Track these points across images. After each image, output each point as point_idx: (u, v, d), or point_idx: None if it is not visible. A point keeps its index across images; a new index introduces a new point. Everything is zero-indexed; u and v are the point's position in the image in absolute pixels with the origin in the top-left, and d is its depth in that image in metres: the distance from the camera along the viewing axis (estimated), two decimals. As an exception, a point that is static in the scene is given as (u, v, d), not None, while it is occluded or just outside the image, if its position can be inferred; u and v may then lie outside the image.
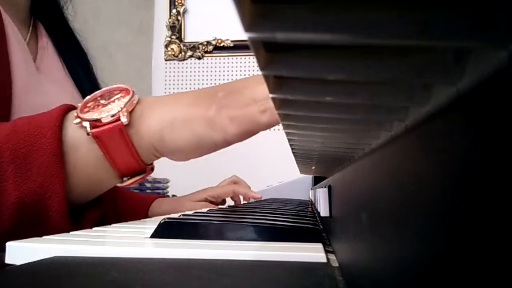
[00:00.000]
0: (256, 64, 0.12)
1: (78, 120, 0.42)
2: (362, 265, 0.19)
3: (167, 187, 1.47)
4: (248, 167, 1.55)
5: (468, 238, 0.08)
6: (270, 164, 1.65)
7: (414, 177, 0.12)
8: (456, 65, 0.10)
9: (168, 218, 0.34)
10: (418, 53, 0.10)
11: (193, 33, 1.90)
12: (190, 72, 1.92)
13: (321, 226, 0.41)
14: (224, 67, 1.89)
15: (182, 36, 1.90)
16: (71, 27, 0.73)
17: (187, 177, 1.44)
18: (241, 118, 0.43)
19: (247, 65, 1.87)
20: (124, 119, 0.42)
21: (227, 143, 0.44)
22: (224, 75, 1.89)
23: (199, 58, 1.90)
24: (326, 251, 0.28)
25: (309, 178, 1.14)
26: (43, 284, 0.20)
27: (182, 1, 1.89)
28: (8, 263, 0.27)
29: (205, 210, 0.53)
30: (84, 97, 0.66)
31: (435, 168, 0.10)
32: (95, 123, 0.42)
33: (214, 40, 1.87)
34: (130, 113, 0.43)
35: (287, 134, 0.21)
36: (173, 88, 1.92)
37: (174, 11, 1.89)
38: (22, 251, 0.27)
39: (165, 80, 1.92)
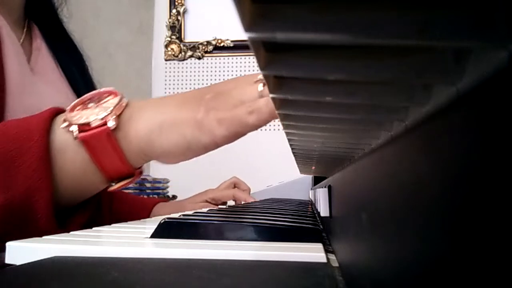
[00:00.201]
0: (256, 64, 0.12)
1: (66, 123, 0.42)
2: (362, 265, 0.19)
3: (167, 187, 1.47)
4: (248, 167, 1.55)
5: (468, 238, 0.08)
6: (270, 164, 1.65)
7: (414, 177, 0.12)
8: (456, 65, 0.10)
9: (168, 218, 0.34)
10: (418, 53, 0.10)
11: (193, 33, 1.90)
12: (190, 72, 1.92)
13: (321, 226, 0.41)
14: (224, 67, 1.89)
15: (182, 36, 1.90)
16: (66, 28, 0.72)
17: (187, 177, 1.44)
18: (229, 120, 0.43)
19: (247, 65, 1.87)
20: (111, 123, 0.42)
21: (216, 145, 0.44)
22: (224, 75, 1.89)
23: (199, 58, 1.90)
24: (326, 251, 0.28)
25: (309, 178, 1.14)
26: (43, 284, 0.20)
27: (182, 1, 1.89)
28: (8, 263, 0.27)
29: (205, 210, 0.53)
30: (79, 97, 0.66)
31: (435, 168, 0.10)
32: (83, 127, 0.41)
33: (214, 40, 1.87)
34: (118, 116, 0.43)
35: (287, 134, 0.21)
36: (173, 88, 1.92)
37: (174, 11, 1.89)
38: (22, 251, 0.27)
39: (165, 80, 1.92)
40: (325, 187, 0.42)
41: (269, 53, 0.11)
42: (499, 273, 0.07)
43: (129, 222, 0.46)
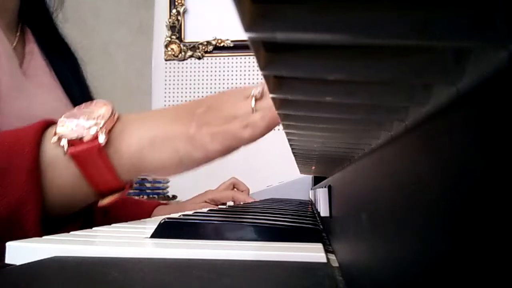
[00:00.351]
0: (256, 64, 0.12)
1: (56, 138, 0.41)
2: (362, 265, 0.19)
3: (167, 187, 1.47)
4: (248, 167, 1.55)
5: (468, 238, 0.08)
6: (270, 164, 1.65)
7: (414, 177, 0.12)
8: (456, 65, 0.10)
9: (168, 218, 0.34)
10: (418, 53, 0.10)
11: (193, 33, 1.90)
12: (190, 72, 1.92)
13: (321, 226, 0.41)
14: (224, 67, 1.90)
15: (182, 36, 1.90)
16: (61, 32, 0.72)
17: (187, 177, 1.44)
18: (223, 134, 0.43)
19: (247, 65, 1.87)
20: (102, 139, 0.41)
21: (208, 160, 0.44)
22: (224, 75, 1.90)
23: (199, 58, 1.90)
24: (326, 251, 0.28)
25: (309, 178, 1.14)
26: (43, 284, 0.20)
27: (182, 1, 1.89)
28: (8, 263, 0.27)
29: (205, 210, 0.53)
30: (73, 101, 0.66)
31: (435, 168, 0.10)
32: (73, 141, 0.41)
33: (214, 40, 1.87)
34: (109, 131, 0.42)
35: (287, 134, 0.21)
36: (173, 88, 1.92)
37: (174, 11, 1.89)
38: (22, 251, 0.27)
39: (165, 80, 1.92)
40: (325, 187, 0.42)
41: (269, 53, 0.11)
42: (499, 273, 0.07)
43: (129, 222, 0.46)
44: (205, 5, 1.87)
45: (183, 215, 0.42)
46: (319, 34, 0.09)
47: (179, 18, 1.89)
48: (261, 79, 0.12)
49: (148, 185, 1.41)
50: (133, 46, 1.89)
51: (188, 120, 0.44)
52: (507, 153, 0.07)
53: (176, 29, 1.89)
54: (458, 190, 0.09)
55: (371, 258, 0.17)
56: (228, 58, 1.89)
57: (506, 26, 0.07)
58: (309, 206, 0.76)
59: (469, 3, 0.08)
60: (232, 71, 1.89)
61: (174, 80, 1.92)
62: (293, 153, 0.32)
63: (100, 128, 0.42)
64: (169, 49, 1.90)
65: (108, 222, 0.45)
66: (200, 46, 1.88)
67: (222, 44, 1.87)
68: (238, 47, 1.85)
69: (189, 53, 1.90)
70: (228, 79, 1.89)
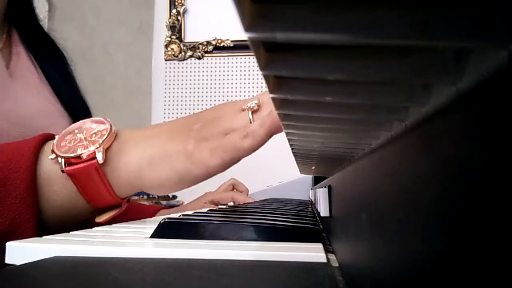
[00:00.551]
0: (256, 64, 0.12)
1: (53, 155, 0.41)
2: (362, 265, 0.19)
3: (167, 187, 1.47)
4: (248, 167, 1.55)
5: (468, 238, 0.08)
6: (270, 164, 1.65)
7: (414, 177, 0.12)
8: (456, 65, 0.10)
9: (168, 218, 0.34)
10: (418, 53, 0.10)
11: (193, 33, 1.90)
12: (190, 72, 1.92)
13: (321, 226, 0.41)
14: (224, 67, 1.90)
15: (182, 36, 1.90)
16: (52, 36, 0.72)
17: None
18: (222, 148, 0.42)
19: (247, 65, 1.87)
20: (100, 157, 0.41)
21: (209, 175, 0.44)
22: (224, 75, 1.90)
23: (199, 58, 1.90)
24: (326, 251, 0.28)
25: (309, 178, 1.14)
26: (43, 284, 0.20)
27: (182, 1, 1.89)
28: (8, 263, 0.27)
29: (205, 210, 0.53)
30: (61, 102, 0.65)
31: (435, 168, 0.10)
32: (70, 159, 0.41)
33: (214, 40, 1.88)
34: (107, 150, 0.42)
35: (287, 134, 0.21)
36: (173, 88, 1.92)
37: (174, 11, 1.89)
38: (22, 251, 0.27)
39: (165, 80, 1.92)
40: (325, 187, 0.42)
41: (269, 53, 0.11)
42: (499, 273, 0.07)
43: (129, 222, 0.46)
44: (205, 5, 1.87)
45: (183, 215, 0.42)
46: (319, 34, 0.09)
47: (179, 18, 1.89)
48: (261, 79, 0.12)
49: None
50: (133, 46, 1.90)
51: (186, 136, 0.43)
52: (507, 153, 0.07)
53: (176, 29, 1.89)
54: (458, 190, 0.09)
55: (371, 258, 0.17)
56: (228, 58, 1.89)
57: (506, 26, 0.07)
58: (309, 206, 0.76)
59: (469, 3, 0.08)
60: (232, 71, 1.89)
61: (174, 80, 1.92)
62: (293, 153, 0.32)
63: (98, 146, 0.42)
64: (169, 49, 1.90)
65: (108, 222, 0.45)
66: (200, 46, 1.89)
67: (222, 44, 1.87)
68: (238, 47, 1.85)
69: (189, 53, 1.90)
70: (228, 79, 1.89)
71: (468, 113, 0.09)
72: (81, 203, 0.43)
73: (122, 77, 1.87)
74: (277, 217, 0.41)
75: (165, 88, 1.92)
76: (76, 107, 0.68)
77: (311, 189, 1.02)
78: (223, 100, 1.88)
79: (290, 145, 0.26)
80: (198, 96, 1.91)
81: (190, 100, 1.92)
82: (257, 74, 1.86)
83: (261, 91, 1.84)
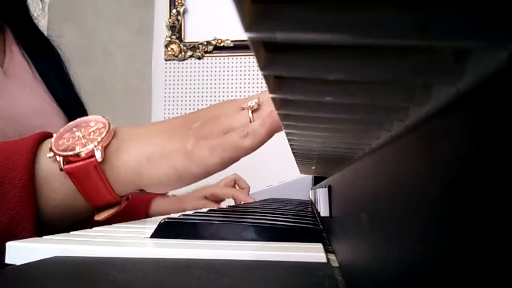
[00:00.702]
0: (256, 64, 0.12)
1: (51, 154, 0.41)
2: (362, 265, 0.19)
3: (167, 187, 1.47)
4: (248, 167, 1.55)
5: (468, 238, 0.08)
6: (270, 164, 1.65)
7: (414, 177, 0.12)
8: (456, 65, 0.10)
9: (168, 218, 0.34)
10: (418, 53, 0.10)
11: (193, 33, 1.90)
12: (190, 72, 1.92)
13: (321, 226, 0.41)
14: (224, 67, 1.90)
15: (182, 36, 1.90)
16: (43, 32, 0.71)
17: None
18: (221, 146, 0.42)
19: (247, 65, 1.87)
20: (99, 155, 0.41)
21: (208, 174, 0.44)
22: (224, 75, 1.90)
23: (199, 58, 1.90)
24: (326, 251, 0.28)
25: (309, 178, 1.14)
26: (43, 284, 0.20)
27: (182, 1, 1.89)
28: (8, 263, 0.27)
29: (205, 210, 0.53)
30: (56, 100, 0.65)
31: (435, 168, 0.10)
32: (69, 157, 0.41)
33: (214, 40, 1.88)
34: (105, 148, 0.42)
35: (287, 134, 0.21)
36: (173, 88, 1.92)
37: (174, 11, 1.89)
38: (22, 251, 0.27)
39: (165, 80, 1.92)
40: (325, 187, 0.42)
41: (269, 53, 0.11)
42: (499, 273, 0.07)
43: (129, 222, 0.46)
44: (205, 5, 1.87)
45: (183, 215, 0.42)
46: (319, 34, 0.09)
47: (179, 18, 1.89)
48: (261, 79, 0.12)
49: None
50: (133, 46, 1.89)
51: (185, 135, 0.43)
52: (507, 153, 0.07)
53: (176, 29, 1.89)
54: (458, 190, 0.09)
55: (371, 258, 0.17)
56: (228, 58, 1.89)
57: (506, 26, 0.07)
58: (309, 206, 0.76)
59: (469, 3, 0.08)
60: (232, 71, 1.89)
61: (174, 80, 1.92)
62: (293, 153, 0.32)
63: (97, 144, 0.41)
64: (169, 49, 1.90)
65: (106, 220, 0.45)
66: (200, 46, 1.89)
67: (222, 44, 1.87)
68: (238, 47, 1.85)
69: (189, 53, 1.90)
70: (228, 79, 1.89)
71: (468, 113, 0.09)
72: (80, 201, 0.43)
73: (122, 77, 1.87)
74: (277, 217, 0.41)
75: (165, 88, 1.92)
76: (71, 105, 0.67)
77: (311, 189, 1.02)
78: (223, 100, 1.88)
79: (290, 145, 0.26)
80: (198, 96, 1.91)
81: (190, 100, 1.92)
82: (257, 74, 1.86)
83: (261, 91, 1.83)
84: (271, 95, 0.14)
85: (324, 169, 0.46)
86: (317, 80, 0.13)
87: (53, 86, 0.67)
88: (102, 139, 0.42)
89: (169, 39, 1.90)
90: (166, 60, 1.92)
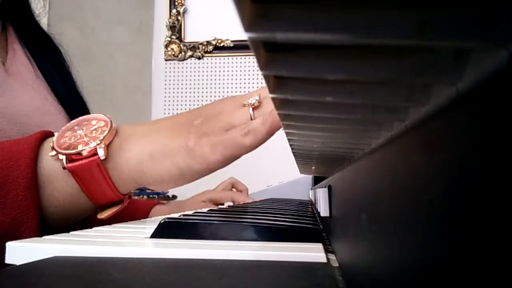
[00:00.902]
0: (256, 64, 0.12)
1: (54, 152, 0.41)
2: (362, 265, 0.19)
3: (167, 187, 1.47)
4: (248, 167, 1.55)
5: (469, 238, 0.08)
6: (270, 164, 1.65)
7: (414, 177, 0.12)
8: (456, 65, 0.10)
9: (168, 218, 0.34)
10: (418, 53, 0.10)
11: (193, 33, 1.90)
12: (190, 72, 1.92)
13: (321, 226, 0.41)
14: (224, 67, 1.90)
15: (182, 36, 1.90)
16: (49, 33, 0.71)
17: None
18: (222, 144, 0.42)
19: (247, 65, 1.87)
20: (101, 154, 0.41)
21: (210, 171, 0.44)
22: (224, 75, 1.90)
23: (199, 58, 1.90)
24: (326, 251, 0.28)
25: (309, 178, 1.14)
26: (43, 284, 0.20)
27: (182, 1, 1.89)
28: (8, 263, 0.27)
29: (205, 210, 0.53)
30: (58, 99, 0.65)
31: (435, 168, 0.10)
32: (71, 156, 0.41)
33: (214, 40, 1.88)
34: (108, 146, 0.42)
35: (287, 134, 0.21)
36: (173, 88, 1.92)
37: (174, 11, 1.89)
38: (22, 251, 0.27)
39: (165, 80, 1.92)
40: (325, 187, 0.42)
41: (269, 53, 0.11)
42: (499, 274, 0.07)
43: (129, 222, 0.46)
44: (205, 5, 1.87)
45: (183, 215, 0.43)
46: (319, 34, 0.09)
47: (179, 18, 1.89)
48: (261, 79, 0.12)
49: (148, 185, 1.40)
50: (133, 46, 1.89)
51: (186, 132, 0.44)
52: (507, 153, 0.07)
53: (176, 29, 1.89)
54: (458, 190, 0.09)
55: (371, 258, 0.17)
56: (228, 58, 1.89)
57: (506, 26, 0.07)
58: (309, 206, 0.76)
59: (469, 2, 0.08)
60: (232, 71, 1.89)
61: (174, 80, 1.92)
62: (293, 153, 0.32)
63: (99, 142, 0.41)
64: (169, 49, 1.90)
65: (106, 221, 0.45)
66: (200, 46, 1.89)
67: (222, 44, 1.87)
68: (238, 47, 1.85)
69: (189, 53, 1.90)
70: (228, 79, 1.89)
71: (468, 113, 0.09)
72: (82, 200, 0.43)
73: (122, 77, 1.87)
74: (277, 217, 0.41)
75: (165, 88, 1.92)
76: (73, 104, 0.67)
77: (311, 189, 1.02)
78: (223, 100, 1.87)
79: (290, 145, 0.26)
80: (198, 96, 1.91)
81: (190, 100, 1.92)
82: (257, 74, 1.86)
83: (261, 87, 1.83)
84: (271, 95, 0.14)
85: (324, 169, 0.46)
86: (317, 80, 0.13)
87: (55, 84, 0.67)
88: (104, 137, 0.42)
89: (169, 39, 1.90)
90: (166, 60, 1.92)
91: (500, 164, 0.07)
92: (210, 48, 1.88)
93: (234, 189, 1.01)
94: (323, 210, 0.41)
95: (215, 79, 1.90)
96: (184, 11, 1.89)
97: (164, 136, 0.44)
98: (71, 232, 0.34)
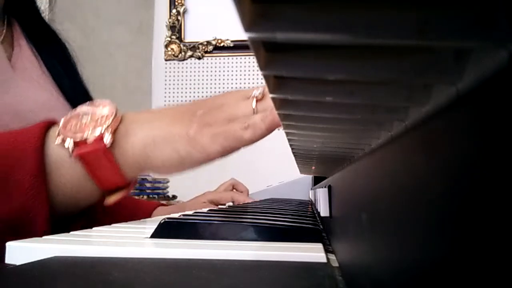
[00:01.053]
0: (256, 64, 0.12)
1: (60, 139, 0.41)
2: (362, 265, 0.19)
3: (167, 187, 1.47)
4: (248, 167, 1.55)
5: (468, 238, 0.08)
6: (270, 164, 1.65)
7: (414, 177, 0.12)
8: (456, 65, 0.10)
9: (168, 218, 0.34)
10: (418, 53, 0.10)
11: (193, 33, 1.90)
12: (190, 72, 1.92)
13: (321, 226, 0.41)
14: (224, 67, 1.89)
15: (182, 36, 1.90)
16: (53, 27, 0.71)
17: (187, 176, 1.44)
18: (223, 135, 0.43)
19: (247, 65, 1.87)
20: (108, 139, 0.42)
21: (209, 160, 0.44)
22: (224, 75, 1.89)
23: (199, 58, 1.90)
24: (326, 251, 0.28)
25: (309, 178, 1.14)
26: (43, 284, 0.20)
27: (182, 1, 1.89)
28: (8, 263, 0.27)
29: (205, 210, 0.53)
30: (64, 94, 0.65)
31: (435, 168, 0.10)
32: (77, 142, 0.41)
33: (214, 40, 1.87)
34: (114, 132, 0.43)
35: (287, 134, 0.21)
36: (173, 88, 1.92)
37: (174, 11, 1.89)
38: (22, 251, 0.27)
39: (165, 80, 1.92)
40: (325, 187, 0.42)
41: (269, 53, 0.11)
42: (499, 274, 0.07)
43: (129, 222, 0.46)
44: (205, 5, 1.87)
45: (183, 215, 0.43)
46: (319, 34, 0.09)
47: (179, 18, 1.89)
48: (261, 79, 0.12)
49: (148, 185, 1.41)
50: (133, 46, 1.89)
51: (189, 121, 0.44)
52: (507, 153, 0.07)
53: (176, 29, 1.89)
54: (458, 190, 0.09)
55: (371, 258, 0.17)
56: (228, 58, 1.89)
57: (506, 26, 0.07)
58: (309, 206, 0.76)
59: (469, 2, 0.08)
60: (232, 71, 1.89)
61: (174, 80, 1.92)
62: (293, 153, 0.32)
63: (106, 128, 0.42)
64: (169, 49, 1.90)
65: (108, 221, 0.45)
66: (200, 46, 1.88)
67: (222, 44, 1.87)
68: (238, 47, 1.85)
69: (189, 53, 1.90)
70: (228, 79, 1.89)
71: (468, 113, 0.09)
72: (89, 187, 0.43)
73: (122, 77, 1.87)
74: (277, 217, 0.41)
75: (165, 88, 1.92)
76: (79, 99, 0.67)
77: (311, 189, 1.02)
78: (223, 100, 1.87)
79: (290, 145, 0.26)
80: (198, 96, 1.91)
81: (190, 100, 1.92)
82: (257, 74, 1.86)
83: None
84: (271, 95, 0.14)
85: (324, 169, 0.46)
86: (317, 80, 0.13)
87: (61, 80, 0.67)
88: (110, 123, 0.43)
89: (169, 39, 1.90)
90: (166, 60, 1.92)
91: (500, 164, 0.07)
92: (210, 48, 1.88)
93: (234, 190, 1.01)
94: (323, 210, 0.41)
95: (215, 79, 1.90)
96: (184, 11, 1.89)
97: (166, 123, 0.45)
98: (71, 232, 0.34)
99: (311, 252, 0.27)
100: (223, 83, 1.90)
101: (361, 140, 0.20)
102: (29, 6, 0.69)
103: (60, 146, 0.42)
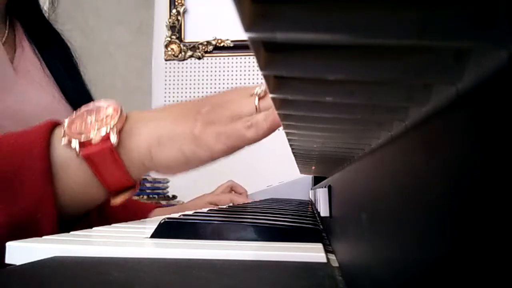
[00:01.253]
0: (256, 64, 0.12)
1: (66, 139, 0.41)
2: (362, 265, 0.19)
3: (167, 187, 1.47)
4: (248, 167, 1.55)
5: (468, 238, 0.08)
6: (270, 164, 1.65)
7: (414, 177, 0.12)
8: (456, 65, 0.10)
9: (168, 218, 0.34)
10: (418, 53, 0.10)
11: (193, 33, 1.90)
12: (190, 72, 1.92)
13: (321, 226, 0.41)
14: (224, 67, 1.89)
15: (182, 36, 1.90)
16: (55, 27, 0.71)
17: (187, 176, 1.44)
18: (227, 134, 0.43)
19: (247, 65, 1.87)
20: (114, 139, 0.42)
21: (213, 158, 0.45)
22: (224, 75, 1.89)
23: (199, 58, 1.90)
24: (326, 251, 0.28)
25: (309, 178, 1.14)
26: (43, 284, 0.20)
27: (182, 1, 1.89)
28: (8, 263, 0.27)
29: (205, 210, 0.53)
30: (66, 96, 0.65)
31: (435, 168, 0.10)
32: (83, 142, 0.41)
33: (214, 40, 1.87)
34: (119, 131, 0.43)
35: (287, 134, 0.21)
36: (173, 88, 1.92)
37: (174, 11, 1.89)
38: (22, 251, 0.27)
39: (165, 80, 1.92)
40: (325, 187, 0.42)
41: (269, 53, 0.11)
42: (499, 274, 0.07)
43: (129, 222, 0.46)
44: (205, 5, 1.87)
45: (183, 215, 0.43)
46: (319, 34, 0.09)
47: (179, 18, 1.89)
48: (261, 79, 0.12)
49: (148, 185, 1.40)
50: (133, 46, 1.89)
51: (193, 119, 0.44)
52: (507, 153, 0.07)
53: (176, 29, 1.89)
54: (458, 190, 0.09)
55: (371, 258, 0.17)
56: (228, 58, 1.89)
57: (506, 25, 0.07)
58: (309, 206, 0.76)
59: (469, 2, 0.08)
60: (232, 71, 1.89)
61: (174, 80, 1.92)
62: (293, 153, 0.32)
63: (111, 128, 0.42)
64: (169, 49, 1.90)
65: (104, 223, 0.45)
66: (200, 46, 1.88)
67: (222, 44, 1.87)
68: (238, 47, 1.85)
69: (189, 53, 1.90)
70: (228, 79, 1.89)
71: (468, 113, 0.09)
72: (95, 187, 0.43)
73: (122, 77, 1.87)
74: (277, 217, 0.41)
75: (165, 88, 1.92)
76: (81, 102, 0.67)
77: (311, 189, 1.02)
78: (223, 100, 1.87)
79: (290, 145, 0.26)
80: (198, 96, 1.91)
81: (194, 99, 1.91)
82: (257, 74, 1.86)
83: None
84: (271, 95, 0.14)
85: (324, 169, 0.46)
86: (317, 80, 0.13)
87: (64, 82, 0.67)
88: (115, 123, 0.43)
89: (169, 39, 1.90)
90: (166, 60, 1.92)
91: (500, 164, 0.07)
92: (210, 48, 1.88)
93: (233, 192, 1.01)
94: (323, 210, 0.41)
95: (215, 79, 1.90)
96: (184, 11, 1.89)
97: (171, 122, 0.45)
98: (71, 232, 0.34)
99: (311, 252, 0.27)
100: (223, 83, 1.90)
101: (361, 140, 0.20)
102: (32, 6, 0.68)
103: (66, 147, 0.42)
